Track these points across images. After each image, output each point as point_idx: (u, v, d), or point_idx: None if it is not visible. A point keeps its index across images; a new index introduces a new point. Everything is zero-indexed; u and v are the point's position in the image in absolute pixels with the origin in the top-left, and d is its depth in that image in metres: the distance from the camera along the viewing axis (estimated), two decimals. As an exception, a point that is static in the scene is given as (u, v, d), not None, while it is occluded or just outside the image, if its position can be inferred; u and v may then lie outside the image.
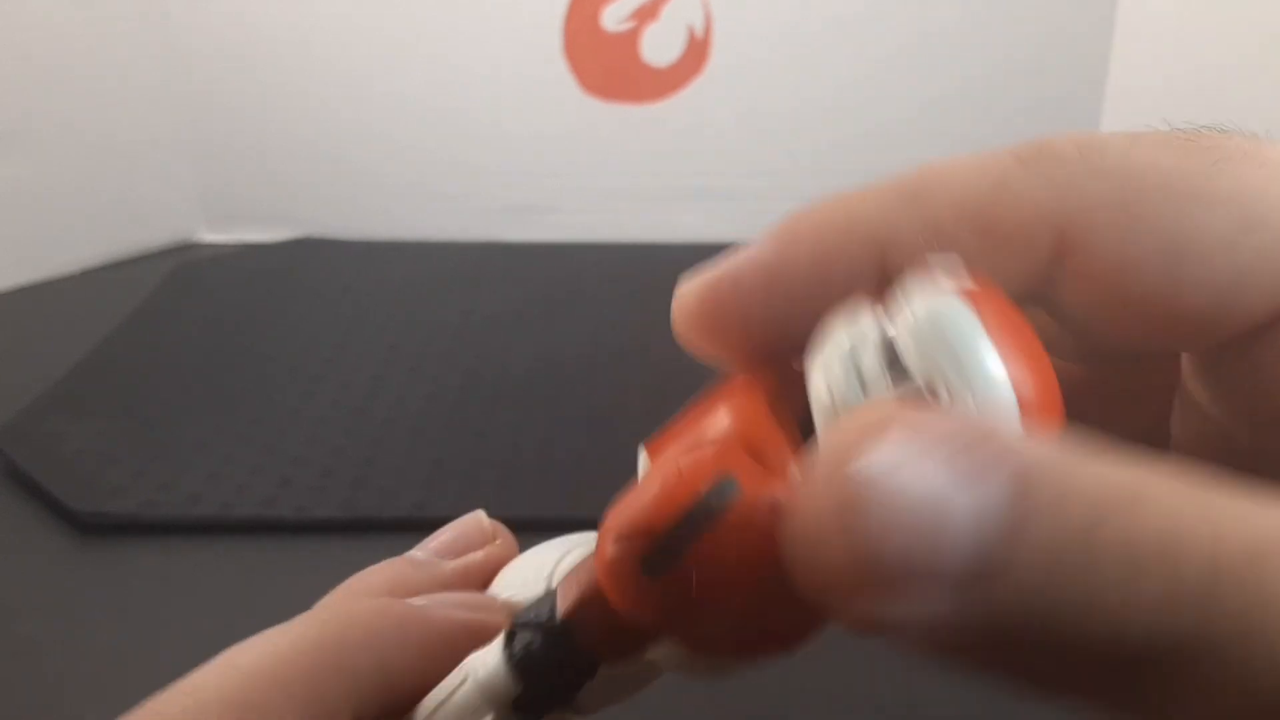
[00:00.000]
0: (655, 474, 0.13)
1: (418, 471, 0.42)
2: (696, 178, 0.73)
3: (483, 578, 0.18)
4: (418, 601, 0.16)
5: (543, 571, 0.16)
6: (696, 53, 0.71)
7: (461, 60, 0.70)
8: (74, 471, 0.41)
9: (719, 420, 0.13)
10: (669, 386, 0.54)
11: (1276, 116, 0.62)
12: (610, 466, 0.42)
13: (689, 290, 0.15)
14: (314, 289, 0.64)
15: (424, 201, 0.73)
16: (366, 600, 0.16)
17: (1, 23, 0.61)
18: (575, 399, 0.48)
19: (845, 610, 0.10)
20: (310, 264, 0.68)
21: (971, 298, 0.11)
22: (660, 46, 0.71)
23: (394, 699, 0.14)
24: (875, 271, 0.13)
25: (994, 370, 0.11)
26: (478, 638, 0.15)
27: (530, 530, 0.38)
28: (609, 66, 0.71)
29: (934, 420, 0.10)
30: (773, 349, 0.14)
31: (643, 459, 0.14)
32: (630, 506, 0.13)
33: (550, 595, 0.14)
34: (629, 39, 0.71)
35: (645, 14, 0.70)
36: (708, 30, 0.70)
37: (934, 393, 0.11)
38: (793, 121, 0.72)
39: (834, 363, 0.12)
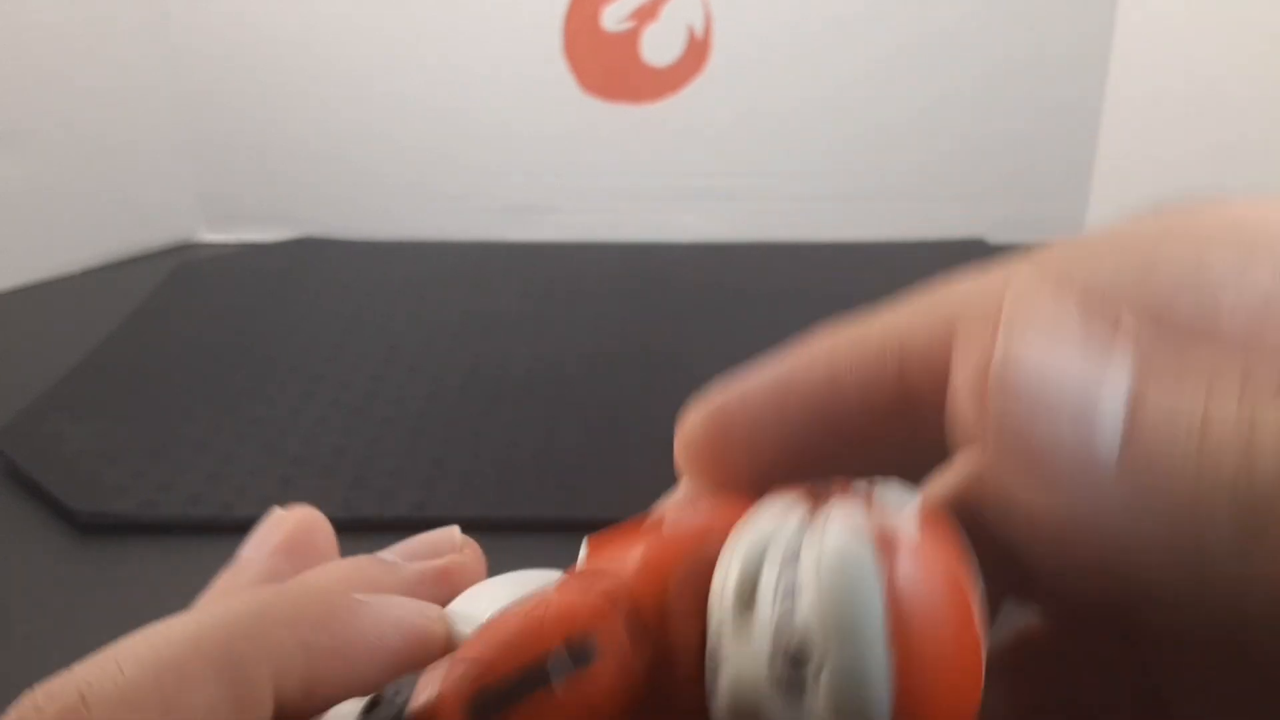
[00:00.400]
0: (524, 607, 0.12)
1: (417, 471, 0.42)
2: (696, 178, 0.73)
3: (442, 584, 0.18)
4: (361, 596, 0.16)
5: (493, 606, 0.16)
6: (696, 53, 0.71)
7: (462, 60, 0.71)
8: (74, 472, 0.41)
9: (629, 559, 0.12)
10: (668, 385, 0.55)
11: (1277, 116, 0.62)
12: (609, 466, 0.42)
13: (693, 416, 0.14)
14: (314, 289, 0.64)
15: (424, 201, 0.73)
16: (303, 585, 0.16)
17: (2, 22, 0.61)
18: (575, 399, 0.48)
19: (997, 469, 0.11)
20: (310, 264, 0.68)
21: (890, 556, 0.10)
22: (660, 46, 0.71)
23: (317, 680, 0.14)
24: (894, 386, 0.13)
25: (874, 670, 0.10)
26: (409, 639, 0.15)
27: (530, 530, 0.38)
28: (609, 66, 0.71)
29: (1058, 313, 0.11)
30: (784, 475, 0.13)
31: (584, 552, 0.13)
32: (493, 632, 0.12)
33: (417, 675, 0.13)
34: (629, 39, 0.71)
35: (645, 14, 0.70)
36: (707, 30, 0.70)
37: (806, 652, 0.10)
38: (793, 121, 0.72)
39: (737, 556, 0.11)
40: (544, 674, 0.11)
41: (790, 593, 0.10)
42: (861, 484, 0.12)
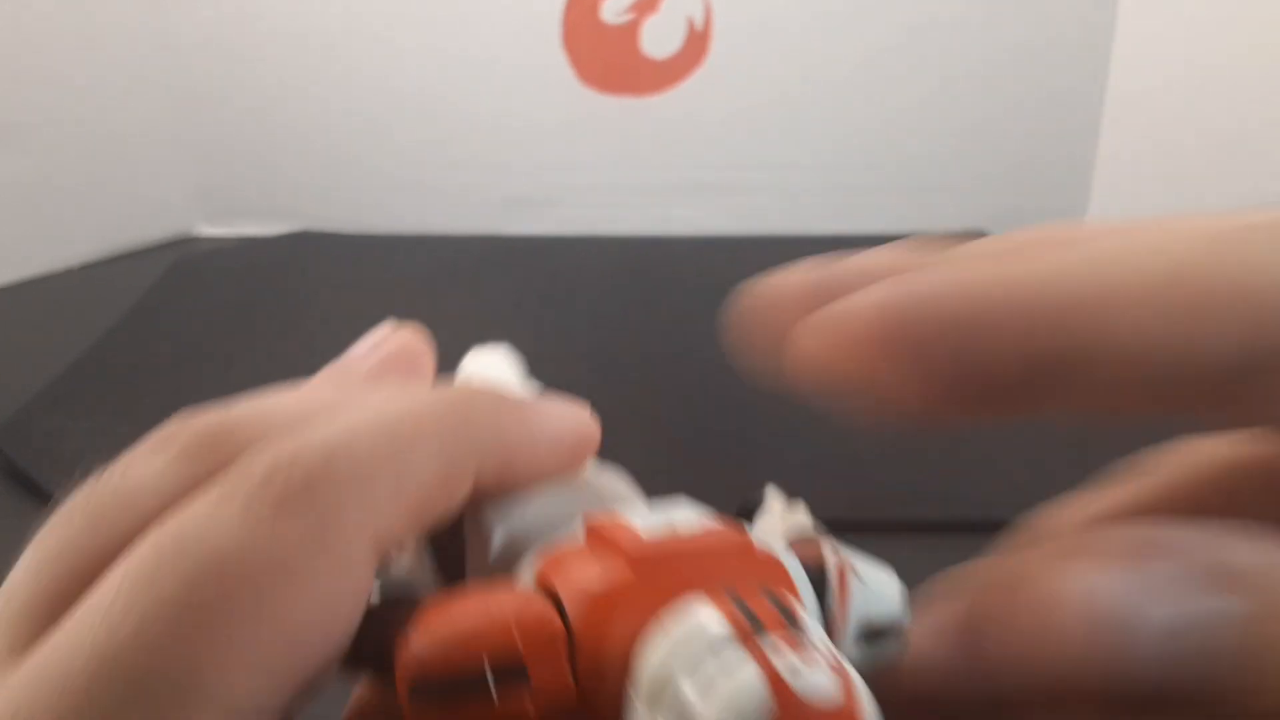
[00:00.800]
0: (472, 606, 0.13)
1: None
2: (696, 171, 0.73)
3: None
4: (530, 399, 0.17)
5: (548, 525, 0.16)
6: (696, 45, 0.70)
7: (460, 53, 0.70)
8: (73, 470, 0.41)
9: (593, 581, 0.12)
10: (667, 380, 0.54)
11: (1277, 111, 0.62)
12: (609, 460, 0.42)
13: (861, 303, 0.12)
14: (313, 283, 0.64)
15: (423, 195, 0.73)
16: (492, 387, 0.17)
17: (1, 18, 0.61)
18: (573, 393, 0.48)
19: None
20: (309, 258, 0.68)
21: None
22: (660, 38, 0.70)
23: (508, 467, 0.15)
24: (1234, 352, 0.11)
25: None
26: (580, 437, 0.17)
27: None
28: (608, 59, 0.71)
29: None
30: (954, 400, 0.12)
31: (580, 529, 0.14)
32: (446, 620, 0.12)
33: (414, 594, 0.14)
34: (628, 31, 0.70)
35: (645, 6, 0.70)
36: (707, 22, 0.70)
37: None
38: (793, 114, 0.72)
39: (656, 654, 0.12)
40: (482, 683, 0.12)
41: (682, 716, 0.11)
42: (799, 617, 0.12)
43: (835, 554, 0.14)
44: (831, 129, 0.72)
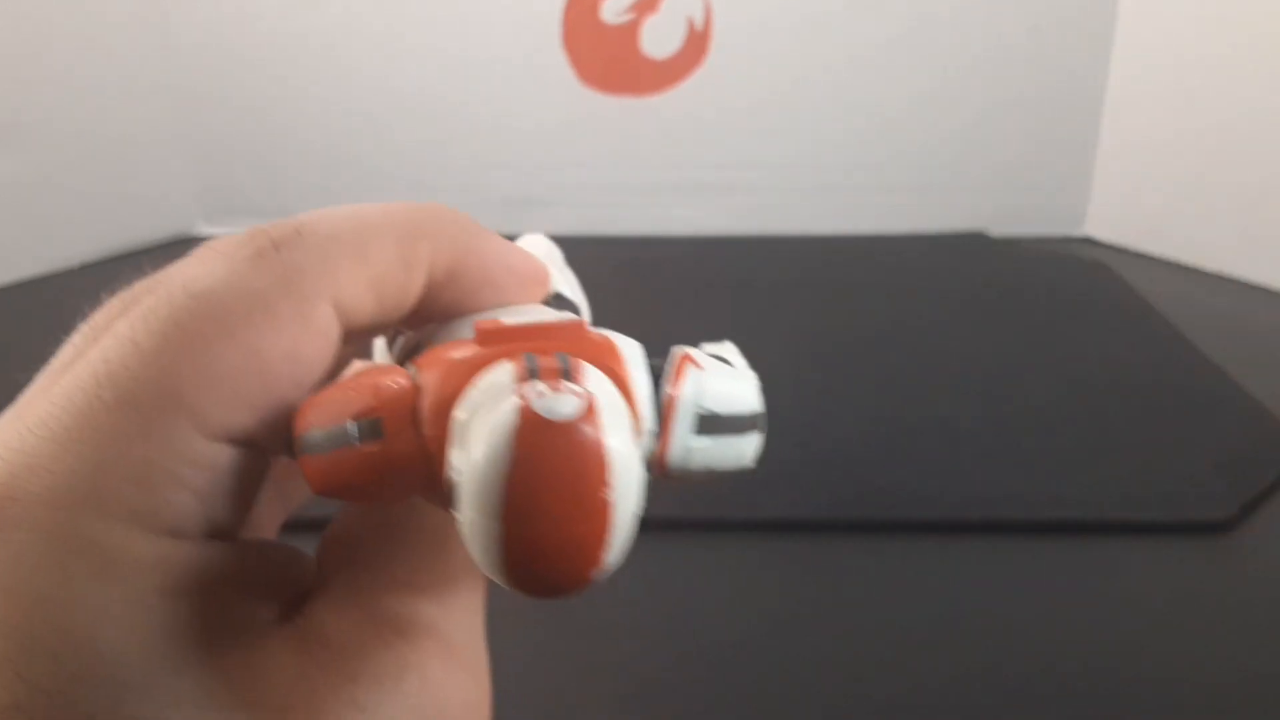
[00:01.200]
0: (350, 380, 0.15)
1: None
2: (695, 170, 0.73)
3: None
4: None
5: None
6: (696, 45, 0.70)
7: (460, 53, 0.70)
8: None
9: (454, 360, 0.15)
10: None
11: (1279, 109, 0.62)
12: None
13: None
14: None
15: (422, 194, 0.73)
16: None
17: (1, 17, 0.61)
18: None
19: None
20: (309, 258, 0.68)
21: (532, 442, 0.13)
22: (660, 38, 0.70)
23: (459, 270, 0.17)
24: None
25: (488, 535, 0.13)
26: (533, 269, 0.19)
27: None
28: (608, 59, 0.71)
29: None
30: None
31: (470, 330, 0.16)
32: (329, 390, 0.15)
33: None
34: (628, 31, 0.70)
35: (645, 6, 0.70)
36: (707, 23, 0.70)
37: (456, 500, 0.13)
38: (792, 114, 0.72)
39: (461, 404, 0.14)
40: (347, 435, 0.14)
41: (466, 449, 0.13)
42: (577, 370, 0.14)
43: (688, 353, 0.17)
44: (831, 129, 0.72)
